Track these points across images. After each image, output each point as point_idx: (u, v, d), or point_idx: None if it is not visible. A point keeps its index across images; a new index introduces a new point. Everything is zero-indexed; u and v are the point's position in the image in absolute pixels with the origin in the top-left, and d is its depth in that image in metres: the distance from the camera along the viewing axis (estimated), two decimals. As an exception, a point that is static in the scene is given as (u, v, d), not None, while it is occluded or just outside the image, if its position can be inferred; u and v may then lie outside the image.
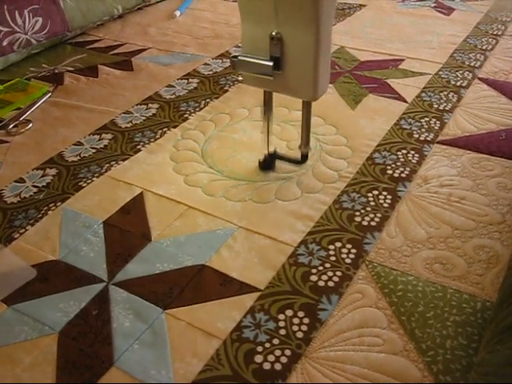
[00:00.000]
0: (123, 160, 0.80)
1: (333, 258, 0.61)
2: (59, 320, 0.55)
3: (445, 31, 1.19)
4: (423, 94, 0.94)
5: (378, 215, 0.67)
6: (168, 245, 0.64)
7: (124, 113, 0.93)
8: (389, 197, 0.70)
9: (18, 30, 1.08)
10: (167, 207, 0.70)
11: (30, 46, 1.13)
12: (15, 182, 0.77)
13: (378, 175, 0.74)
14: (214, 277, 0.59)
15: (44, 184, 0.76)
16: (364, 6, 1.37)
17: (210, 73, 1.06)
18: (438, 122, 0.85)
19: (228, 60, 1.10)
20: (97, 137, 0.87)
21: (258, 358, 0.50)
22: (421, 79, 0.99)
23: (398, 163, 0.76)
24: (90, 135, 0.87)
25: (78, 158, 0.82)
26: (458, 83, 0.97)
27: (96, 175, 0.77)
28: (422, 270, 0.59)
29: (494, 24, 1.23)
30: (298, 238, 0.64)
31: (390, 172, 0.74)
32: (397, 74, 1.01)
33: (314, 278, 0.59)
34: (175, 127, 0.88)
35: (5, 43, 1.07)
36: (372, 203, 0.69)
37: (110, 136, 0.86)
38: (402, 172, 0.74)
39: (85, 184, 0.75)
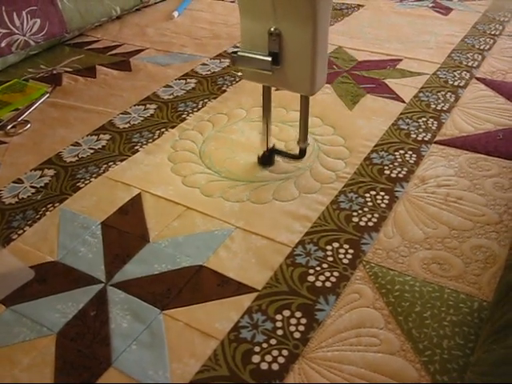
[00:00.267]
0: (121, 161, 0.80)
1: (330, 259, 0.61)
2: (57, 321, 0.56)
3: (443, 31, 1.19)
4: (421, 94, 0.94)
5: (376, 215, 0.67)
6: (166, 245, 0.64)
7: (122, 113, 0.93)
8: (386, 197, 0.70)
9: (16, 31, 1.08)
10: (165, 208, 0.70)
11: (28, 47, 1.13)
12: (13, 182, 0.77)
13: (375, 175, 0.74)
14: (211, 277, 0.59)
15: (42, 185, 0.76)
16: (362, 6, 1.38)
17: (208, 73, 1.06)
18: (435, 122, 0.86)
19: (226, 60, 1.11)
20: (95, 137, 0.87)
21: (256, 359, 0.51)
22: (418, 79, 0.99)
23: (396, 163, 0.76)
24: (87, 136, 0.87)
25: (76, 158, 0.82)
26: (456, 83, 0.97)
27: (94, 176, 0.77)
28: (420, 270, 0.59)
29: (491, 24, 1.23)
30: (296, 238, 0.64)
31: (387, 172, 0.74)
32: (394, 74, 1.01)
33: (311, 278, 0.59)
34: (173, 128, 0.88)
35: (3, 44, 1.07)
36: (369, 203, 0.69)
37: (107, 137, 0.87)
38: (400, 172, 0.74)
39: (83, 185, 0.75)
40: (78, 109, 0.96)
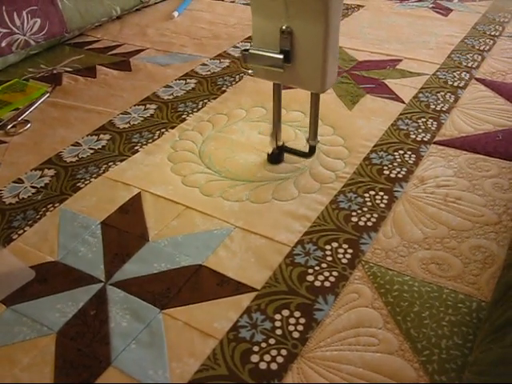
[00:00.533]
0: (121, 161, 0.80)
1: (329, 258, 0.61)
2: (57, 320, 0.56)
3: (442, 32, 1.20)
4: (420, 95, 0.94)
5: (375, 215, 0.67)
6: (165, 245, 0.64)
7: (122, 113, 0.93)
8: (385, 197, 0.70)
9: (17, 31, 1.08)
10: (165, 207, 0.70)
11: (29, 46, 1.13)
12: (14, 182, 0.77)
13: (374, 175, 0.74)
14: (210, 277, 0.60)
15: (42, 185, 0.76)
16: (362, 6, 1.38)
17: (208, 73, 1.06)
18: (434, 122, 0.86)
19: (226, 60, 1.11)
20: (95, 137, 0.87)
21: (255, 358, 0.51)
22: (418, 80, 0.99)
23: (395, 164, 0.76)
24: (88, 136, 0.87)
25: (76, 158, 0.82)
26: (455, 84, 0.97)
27: (94, 176, 0.77)
28: (418, 270, 0.59)
29: (491, 25, 1.23)
30: (295, 238, 0.64)
31: (386, 172, 0.75)
32: (394, 74, 1.01)
33: (310, 278, 0.59)
34: (173, 128, 0.88)
35: (3, 44, 1.07)
36: (369, 203, 0.69)
37: (108, 137, 0.87)
38: (399, 172, 0.74)
39: (83, 185, 0.76)
40: (78, 109, 0.96)
